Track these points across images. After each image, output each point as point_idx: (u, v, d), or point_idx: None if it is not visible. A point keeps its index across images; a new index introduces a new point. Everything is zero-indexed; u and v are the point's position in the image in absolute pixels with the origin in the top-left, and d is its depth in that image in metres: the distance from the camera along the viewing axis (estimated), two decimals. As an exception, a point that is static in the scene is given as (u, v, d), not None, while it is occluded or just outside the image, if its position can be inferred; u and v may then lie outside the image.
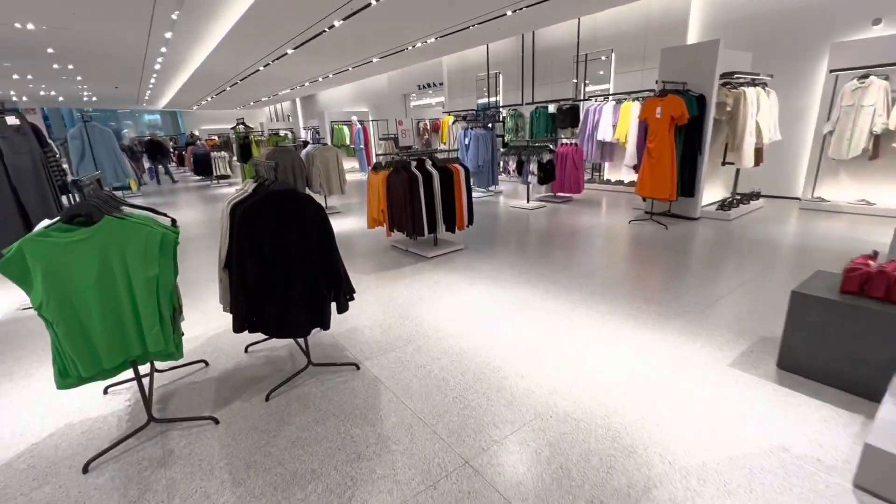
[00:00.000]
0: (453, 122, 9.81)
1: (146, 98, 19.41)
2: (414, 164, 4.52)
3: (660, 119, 5.26)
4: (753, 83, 5.71)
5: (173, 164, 16.59)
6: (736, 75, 5.50)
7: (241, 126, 9.55)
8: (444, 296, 3.63)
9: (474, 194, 6.48)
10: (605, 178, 9.28)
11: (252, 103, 24.11)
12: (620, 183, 8.68)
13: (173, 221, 2.15)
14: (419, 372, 2.50)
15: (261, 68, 12.39)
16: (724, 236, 5.04)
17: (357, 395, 2.31)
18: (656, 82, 6.10)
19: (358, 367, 2.57)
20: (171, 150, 16.84)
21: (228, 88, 16.63)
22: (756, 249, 4.49)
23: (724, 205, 5.98)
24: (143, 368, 2.42)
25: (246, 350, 2.86)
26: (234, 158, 11.95)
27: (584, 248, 4.90)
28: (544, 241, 5.19)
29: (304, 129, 18.33)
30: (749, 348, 2.59)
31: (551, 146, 7.13)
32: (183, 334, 2.37)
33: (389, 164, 4.70)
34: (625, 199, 7.78)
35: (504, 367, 2.51)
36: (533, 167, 6.98)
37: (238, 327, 2.17)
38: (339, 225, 6.65)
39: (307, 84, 16.58)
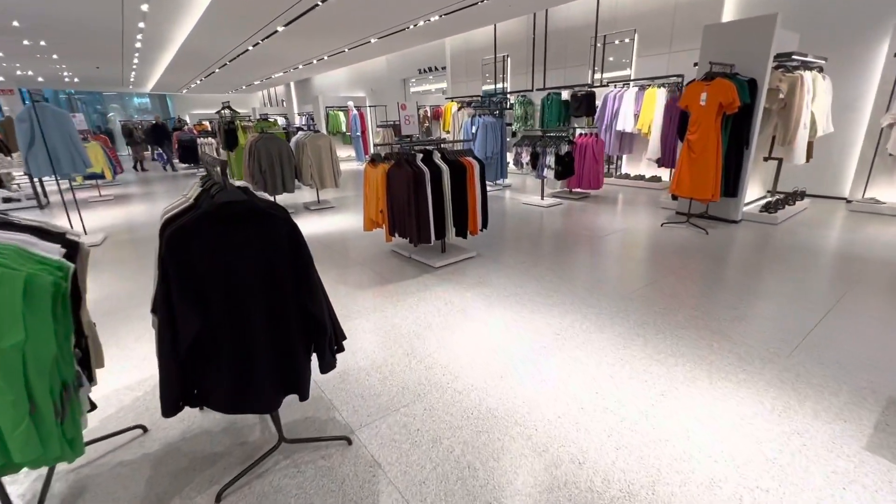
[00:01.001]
0: (458, 109, 9.03)
1: (132, 80, 18.42)
2: (420, 156, 3.79)
3: (705, 107, 4.53)
4: (808, 67, 4.97)
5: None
6: (793, 57, 4.76)
7: (226, 110, 8.73)
8: (457, 323, 2.93)
9: (482, 189, 5.67)
10: (622, 172, 8.55)
11: (244, 87, 23.10)
12: (641, 178, 7.96)
13: (70, 249, 1.43)
14: (434, 452, 1.81)
15: (250, 48, 11.51)
16: (777, 244, 4.35)
17: (347, 496, 1.62)
18: (695, 65, 5.35)
19: (349, 442, 1.88)
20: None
21: (217, 70, 15.69)
22: (822, 262, 3.80)
23: (768, 206, 5.29)
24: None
25: (201, 407, 2.16)
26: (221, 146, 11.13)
27: (617, 257, 4.20)
28: (568, 248, 4.48)
29: (299, 114, 17.47)
30: (881, 418, 1.91)
31: (570, 137, 6.39)
32: (94, 408, 1.67)
33: (390, 156, 3.96)
34: (646, 196, 7.07)
35: (551, 444, 1.82)
36: (549, 160, 6.25)
37: (169, 409, 1.46)
38: (333, 223, 5.91)
39: (301, 67, 15.63)
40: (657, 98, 7.25)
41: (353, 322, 2.97)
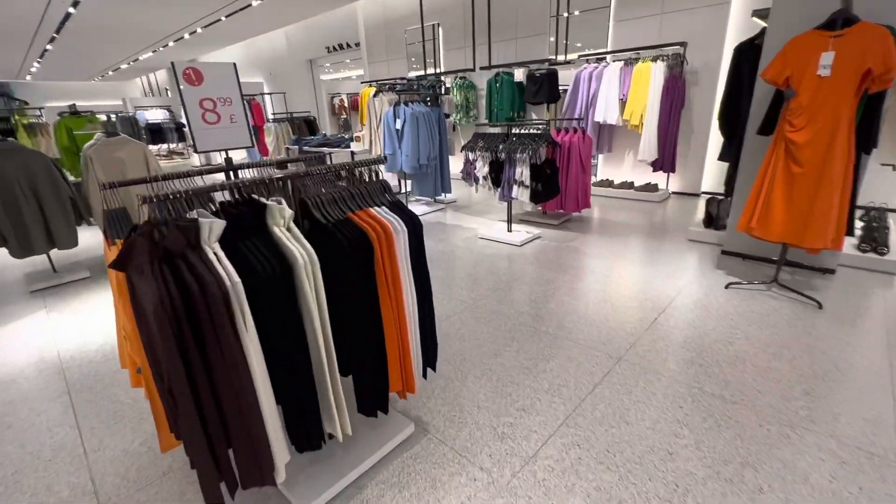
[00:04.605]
0: (375, 95, 6.40)
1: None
2: (216, 227, 1.23)
3: (830, 79, 2.40)
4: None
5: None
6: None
7: None
8: None
9: (416, 210, 2.70)
10: (600, 178, 6.49)
11: (111, 72, 18.50)
12: (629, 186, 5.93)
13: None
14: None
15: (71, 10, 8.00)
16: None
17: None
18: (755, 14, 3.25)
19: None
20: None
21: (50, 48, 11.61)
22: None
23: (869, 239, 3.36)
24: None
25: None
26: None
27: (733, 410, 1.95)
28: (603, 375, 2.17)
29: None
30: None
31: (549, 136, 4.08)
32: None
33: (146, 223, 1.33)
34: (642, 212, 5.04)
35: None
36: (522, 173, 3.92)
37: None
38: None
39: (172, 44, 12.03)
40: (651, 76, 5.22)
41: None
